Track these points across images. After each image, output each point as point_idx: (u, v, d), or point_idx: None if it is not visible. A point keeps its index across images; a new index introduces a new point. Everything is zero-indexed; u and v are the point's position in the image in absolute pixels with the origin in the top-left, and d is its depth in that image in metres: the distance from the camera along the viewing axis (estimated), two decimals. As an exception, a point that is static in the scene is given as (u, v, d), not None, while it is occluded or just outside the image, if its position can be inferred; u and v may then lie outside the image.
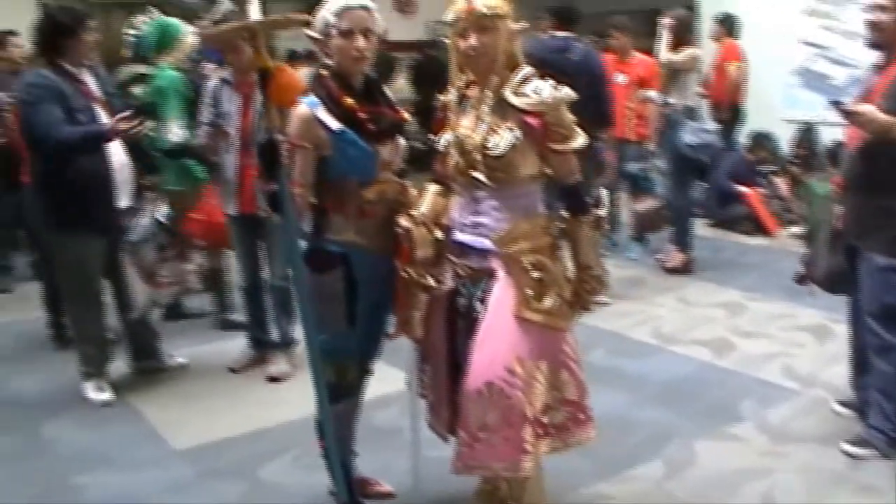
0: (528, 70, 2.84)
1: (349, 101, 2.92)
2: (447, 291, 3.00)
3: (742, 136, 8.65)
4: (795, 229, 7.70)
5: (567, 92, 2.81)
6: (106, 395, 4.56)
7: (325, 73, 2.98)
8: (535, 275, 2.81)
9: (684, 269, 6.56)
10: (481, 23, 2.76)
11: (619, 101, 6.79)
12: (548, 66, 5.27)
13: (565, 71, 5.34)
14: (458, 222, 2.95)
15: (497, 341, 2.78)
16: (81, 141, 4.16)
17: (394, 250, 2.99)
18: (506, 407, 2.75)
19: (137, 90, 6.19)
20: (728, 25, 8.33)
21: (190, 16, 6.58)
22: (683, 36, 6.17)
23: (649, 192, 6.76)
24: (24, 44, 5.99)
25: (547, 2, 5.68)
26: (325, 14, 2.93)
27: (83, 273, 4.47)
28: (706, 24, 9.14)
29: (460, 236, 2.94)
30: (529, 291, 2.81)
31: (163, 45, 5.20)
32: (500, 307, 2.82)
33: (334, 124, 2.91)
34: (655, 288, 6.32)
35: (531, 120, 2.77)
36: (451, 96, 2.94)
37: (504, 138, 2.77)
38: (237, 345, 5.06)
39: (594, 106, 5.61)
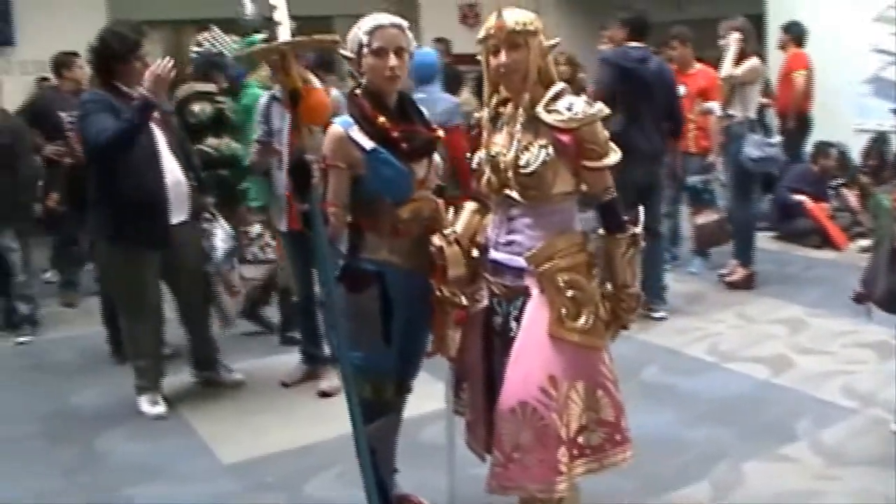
0: (560, 86, 2.82)
1: (382, 119, 2.93)
2: (483, 310, 2.99)
3: (809, 147, 8.43)
4: (865, 243, 7.46)
5: (600, 108, 2.77)
6: (159, 409, 4.65)
7: (358, 92, 3.00)
8: (570, 293, 2.77)
9: (746, 285, 6.42)
10: (512, 39, 2.75)
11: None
12: (630, 76, 5.36)
13: (646, 81, 5.43)
14: (494, 240, 2.93)
15: (531, 360, 2.75)
16: (120, 133, 4.20)
17: (429, 268, 2.98)
18: (540, 427, 2.71)
19: (196, 108, 6.33)
20: (794, 34, 8.16)
21: (250, 33, 6.71)
22: (745, 46, 6.04)
23: (710, 206, 6.62)
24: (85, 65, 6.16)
25: (605, 12, 5.68)
26: (358, 32, 2.95)
27: (135, 287, 4.57)
28: (773, 33, 8.96)
29: (495, 254, 2.92)
30: (564, 310, 2.77)
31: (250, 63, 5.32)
32: (533, 326, 2.79)
33: (368, 143, 2.93)
34: (715, 303, 6.19)
35: (563, 137, 2.74)
36: (484, 113, 2.92)
37: (536, 156, 2.75)
38: (293, 359, 5.11)
39: (669, 116, 5.60)
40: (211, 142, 5.61)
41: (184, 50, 6.99)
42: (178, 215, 4.51)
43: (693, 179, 6.66)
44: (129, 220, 4.36)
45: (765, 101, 7.81)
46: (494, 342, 2.97)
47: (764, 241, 7.72)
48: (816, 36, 8.33)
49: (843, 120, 8.71)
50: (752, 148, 5.97)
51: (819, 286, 6.52)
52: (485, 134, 2.91)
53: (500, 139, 2.88)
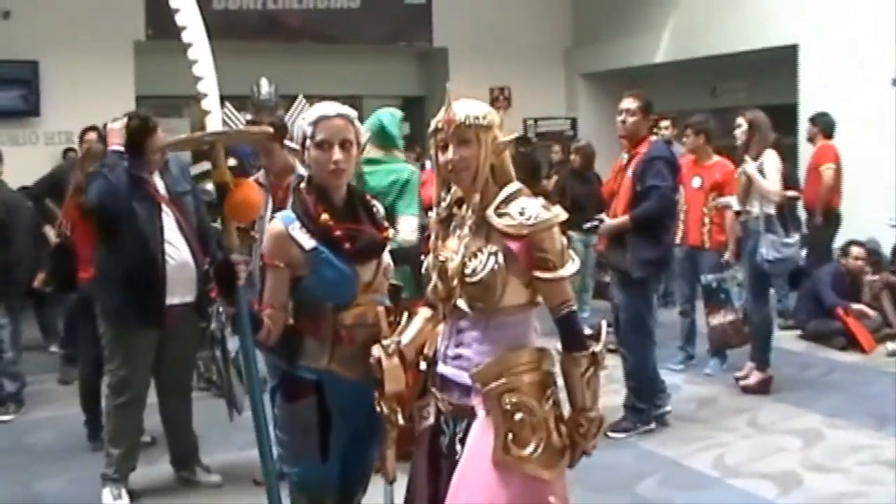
0: (515, 187, 2.57)
1: (325, 217, 2.72)
2: (430, 428, 2.72)
3: (838, 243, 8.07)
4: (893, 346, 7.07)
5: (556, 213, 2.53)
6: (120, 503, 4.41)
7: (302, 186, 2.80)
8: (518, 416, 2.50)
9: (762, 389, 6.05)
10: (461, 134, 2.53)
11: (695, 206, 6.43)
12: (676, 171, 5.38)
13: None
14: (442, 352, 2.68)
15: (472, 491, 2.48)
16: (101, 191, 4.19)
17: (375, 379, 2.73)
18: (483, 566, 2.42)
19: (208, 186, 6.20)
20: (823, 125, 7.90)
21: (263, 111, 6.64)
22: (763, 137, 5.80)
23: (725, 306, 6.29)
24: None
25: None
26: (302, 123, 2.76)
27: (127, 367, 4.43)
28: (805, 123, 8.69)
29: (442, 368, 2.66)
30: (510, 435, 2.49)
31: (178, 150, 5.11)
32: (477, 451, 2.52)
33: (308, 242, 2.71)
34: (727, 409, 5.82)
35: (512, 244, 2.50)
36: (433, 215, 2.69)
37: (484, 263, 2.50)
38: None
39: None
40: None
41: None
42: (179, 296, 4.38)
43: (708, 278, 6.35)
44: (125, 297, 4.30)
45: (792, 193, 7.52)
46: (441, 464, 2.69)
47: (787, 340, 7.39)
48: (846, 126, 8.04)
49: (876, 214, 8.35)
50: (768, 248, 5.68)
51: (840, 393, 6.13)
52: (433, 236, 2.67)
53: (452, 243, 2.64)
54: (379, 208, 2.96)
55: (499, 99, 13.67)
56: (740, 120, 5.91)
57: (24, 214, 6.05)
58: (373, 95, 13.46)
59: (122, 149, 4.22)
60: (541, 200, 2.57)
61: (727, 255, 6.34)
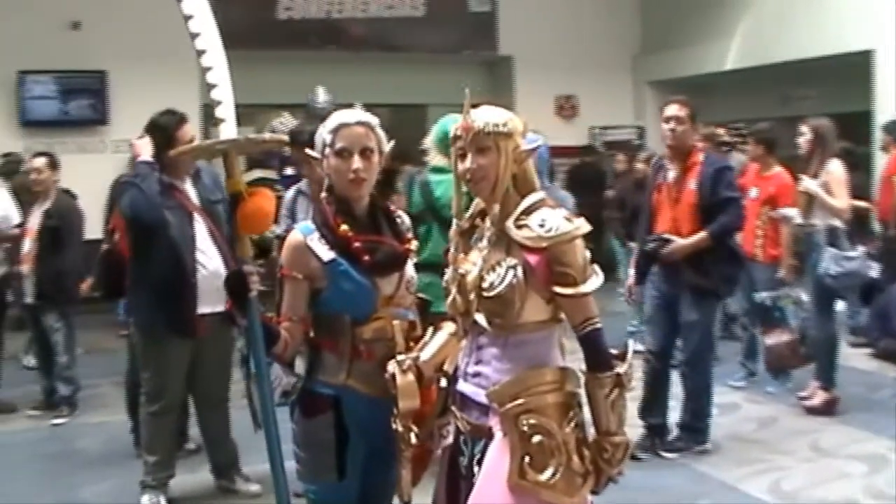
0: (537, 197, 2.45)
1: (344, 228, 2.63)
2: (450, 448, 2.62)
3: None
4: (972, 367, 6.72)
5: (579, 225, 2.39)
6: (157, 510, 4.40)
7: (323, 196, 2.71)
8: (536, 439, 2.37)
9: (826, 410, 5.77)
10: (480, 142, 2.42)
11: (751, 217, 6.21)
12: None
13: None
14: (462, 370, 2.57)
15: (487, 515, 2.36)
16: (133, 201, 4.20)
17: (394, 396, 2.63)
18: None
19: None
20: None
21: (320, 119, 6.61)
22: (827, 147, 5.55)
23: (780, 325, 6.03)
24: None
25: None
26: (322, 131, 2.68)
27: (160, 376, 4.44)
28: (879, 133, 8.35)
29: (462, 386, 2.56)
30: (527, 458, 2.37)
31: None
32: (492, 473, 2.41)
33: (326, 254, 2.63)
34: (787, 431, 5.56)
35: (530, 257, 2.37)
36: (454, 226, 2.58)
37: (502, 277, 2.38)
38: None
39: None
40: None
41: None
42: (211, 306, 4.33)
43: (762, 295, 6.08)
44: (156, 306, 4.31)
45: (863, 204, 7.23)
46: (461, 485, 2.58)
47: (857, 358, 7.09)
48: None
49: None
50: (830, 263, 5.42)
51: (912, 416, 5.82)
52: (452, 248, 2.56)
53: (474, 255, 2.53)
54: (404, 220, 2.86)
55: (564, 107, 13.51)
56: (804, 128, 5.67)
57: (77, 221, 6.12)
58: (438, 104, 13.40)
59: (151, 160, 4.21)
60: (563, 212, 2.44)
61: (783, 272, 6.07)
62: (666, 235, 4.97)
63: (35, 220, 5.94)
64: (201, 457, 4.95)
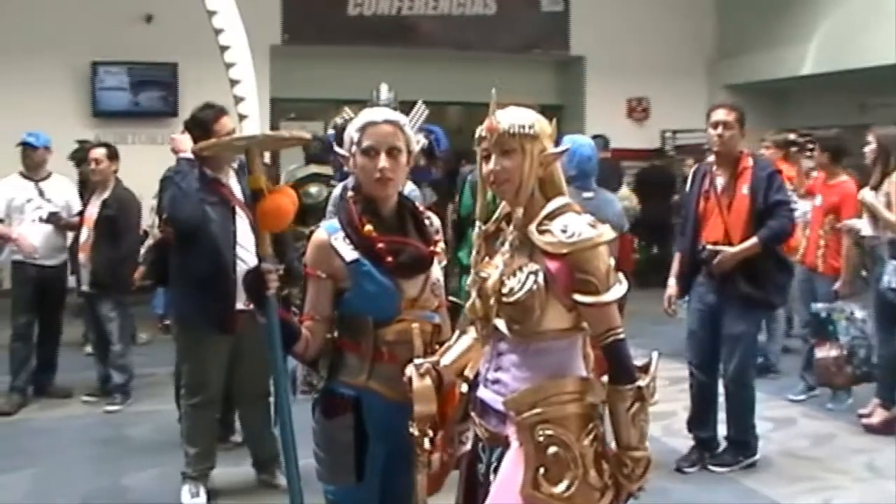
0: (561, 202, 2.38)
1: (368, 228, 2.60)
2: (468, 454, 2.57)
3: None
4: None
5: (601, 231, 2.32)
6: (198, 501, 4.45)
7: (350, 195, 2.69)
8: (552, 450, 2.31)
9: (886, 429, 5.55)
10: (504, 143, 2.37)
11: (814, 226, 6.02)
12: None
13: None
14: (483, 375, 2.52)
15: (499, 527, 2.30)
16: (173, 199, 4.24)
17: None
18: None
19: (313, 189, 6.23)
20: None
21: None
22: (890, 158, 5.34)
23: (831, 339, 5.80)
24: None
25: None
26: (350, 129, 2.65)
27: (196, 369, 4.48)
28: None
29: (482, 392, 2.51)
30: (542, 469, 2.31)
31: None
32: (506, 483, 2.35)
33: (350, 254, 2.60)
34: (844, 449, 5.37)
35: (551, 263, 2.31)
36: (478, 229, 2.53)
37: (522, 282, 2.32)
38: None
39: None
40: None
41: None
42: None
43: (818, 306, 5.88)
44: (195, 301, 4.34)
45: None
46: (478, 493, 2.53)
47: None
48: None
49: None
50: (892, 276, 5.21)
51: (979, 440, 5.56)
52: (474, 252, 2.51)
53: (498, 259, 2.47)
54: (434, 221, 2.82)
55: (636, 110, 13.32)
56: (870, 137, 5.47)
57: (135, 212, 6.21)
58: (508, 104, 13.33)
59: (191, 156, 4.22)
60: (588, 218, 2.37)
61: (838, 285, 5.85)
62: (718, 246, 4.76)
63: (93, 210, 6.04)
64: (246, 450, 4.97)
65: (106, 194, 6.07)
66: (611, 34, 12.55)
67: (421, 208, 2.82)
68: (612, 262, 2.37)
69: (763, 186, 4.71)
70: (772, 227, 4.69)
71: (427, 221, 2.78)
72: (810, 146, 6.71)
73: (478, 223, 2.52)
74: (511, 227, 2.43)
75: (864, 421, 5.68)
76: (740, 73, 12.53)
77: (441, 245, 2.75)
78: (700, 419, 5.01)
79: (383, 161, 2.58)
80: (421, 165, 5.94)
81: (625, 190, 10.53)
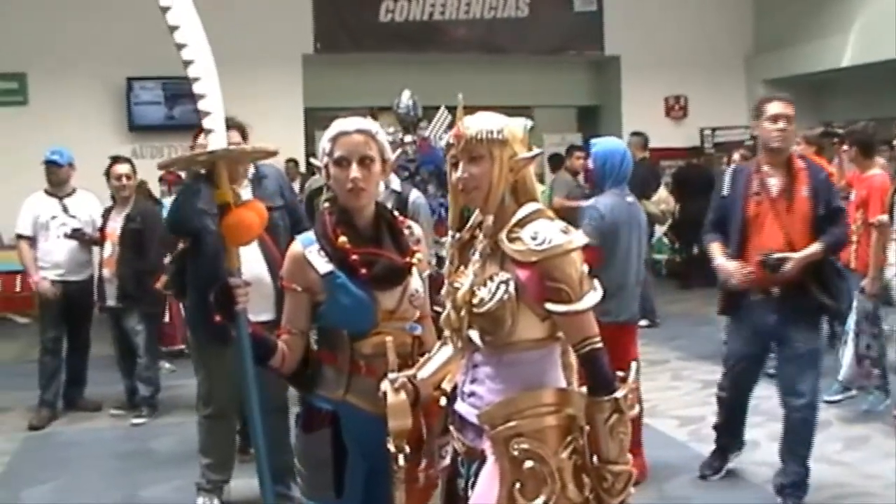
0: (532, 207, 2.31)
1: (343, 240, 2.56)
2: (448, 469, 2.51)
3: None
4: None
5: (572, 238, 2.24)
6: (211, 513, 4.44)
7: (325, 206, 2.65)
8: (528, 464, 2.24)
9: (923, 431, 5.37)
10: (472, 150, 2.30)
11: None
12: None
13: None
14: (460, 388, 2.46)
15: (474, 543, 2.24)
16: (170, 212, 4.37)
17: (393, 414, 2.54)
18: None
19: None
20: None
21: (407, 125, 6.60)
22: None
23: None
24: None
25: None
26: (323, 139, 2.61)
27: (207, 380, 4.52)
28: None
29: (459, 405, 2.45)
30: (518, 485, 2.24)
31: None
32: (482, 500, 2.29)
33: (324, 266, 2.56)
34: (876, 453, 5.19)
35: (520, 272, 2.24)
36: (450, 238, 2.47)
37: (493, 292, 2.26)
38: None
39: None
40: None
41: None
42: (254, 314, 4.27)
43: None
44: (199, 311, 4.28)
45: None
46: (458, 508, 2.47)
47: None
48: None
49: None
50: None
51: None
52: (448, 262, 2.45)
53: (474, 268, 2.41)
54: (414, 231, 2.76)
55: (674, 108, 13.16)
56: (896, 129, 5.31)
57: (159, 225, 6.24)
58: (543, 105, 13.28)
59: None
60: (560, 224, 2.29)
61: (865, 282, 5.64)
62: (785, 254, 4.27)
63: (115, 225, 6.09)
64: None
65: (128, 208, 6.12)
66: (645, 32, 12.42)
67: (401, 219, 2.77)
68: (586, 268, 2.29)
69: (824, 190, 4.34)
70: (835, 234, 4.33)
71: (406, 231, 2.72)
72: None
73: (450, 232, 2.46)
74: (482, 236, 2.37)
75: (898, 423, 5.50)
76: (779, 68, 12.31)
77: (420, 255, 2.68)
78: (727, 428, 4.83)
79: (355, 171, 2.54)
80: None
81: (662, 192, 10.35)
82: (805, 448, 4.45)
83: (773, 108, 4.32)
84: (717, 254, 4.49)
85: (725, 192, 4.52)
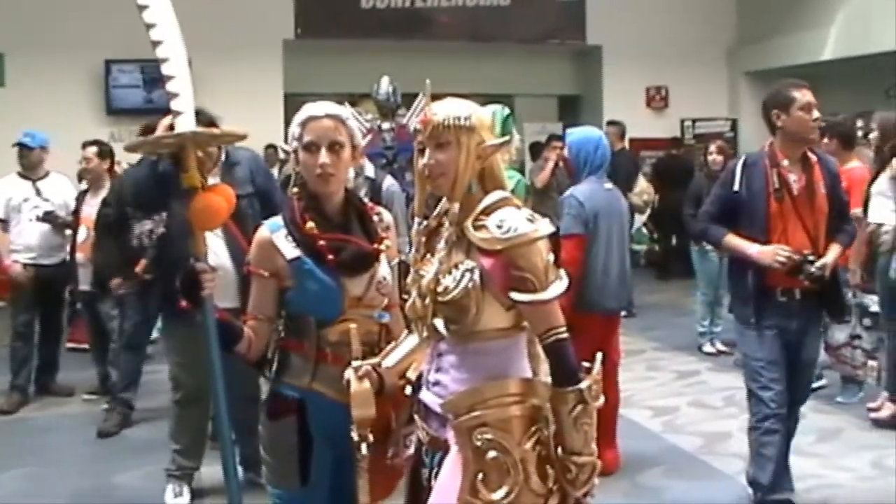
0: (499, 195, 2.28)
1: (310, 225, 2.53)
2: (413, 459, 2.49)
3: None
4: None
5: (538, 226, 2.22)
6: (181, 501, 4.43)
7: (294, 191, 2.61)
8: (491, 455, 2.22)
9: (895, 423, 5.40)
10: (439, 136, 2.27)
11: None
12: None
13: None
14: (425, 377, 2.44)
15: (437, 533, 2.22)
16: None
17: (357, 402, 2.51)
18: None
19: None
20: None
21: (385, 112, 6.56)
22: (882, 145, 5.17)
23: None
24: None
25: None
26: (293, 124, 2.58)
27: (177, 366, 4.50)
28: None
29: (424, 394, 2.42)
30: (480, 475, 2.22)
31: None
32: (444, 491, 2.27)
33: (291, 252, 2.53)
34: (851, 444, 5.22)
35: (485, 260, 2.22)
36: (415, 226, 2.45)
37: (458, 280, 2.24)
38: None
39: None
40: None
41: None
42: (219, 302, 4.26)
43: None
44: (161, 298, 4.37)
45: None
46: (422, 498, 2.44)
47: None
48: None
49: None
50: (898, 264, 5.03)
51: None
52: (413, 249, 2.43)
53: (438, 256, 2.39)
54: (384, 218, 2.73)
55: (655, 99, 13.16)
56: (873, 123, 5.30)
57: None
58: (525, 94, 13.25)
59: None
60: (526, 212, 2.27)
61: (848, 276, 5.65)
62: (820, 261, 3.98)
63: (90, 209, 6.01)
64: (236, 449, 4.94)
65: (103, 193, 6.05)
66: (628, 23, 12.40)
67: (371, 205, 2.75)
68: (552, 257, 2.27)
69: (836, 184, 4.15)
70: (849, 233, 4.19)
71: (376, 218, 2.70)
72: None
73: (416, 219, 2.44)
74: (448, 223, 2.35)
75: (872, 416, 5.53)
76: (762, 60, 12.32)
77: (388, 242, 2.66)
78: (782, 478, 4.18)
79: (324, 156, 2.51)
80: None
81: (643, 182, 10.36)
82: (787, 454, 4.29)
83: (807, 96, 3.94)
84: (747, 244, 4.01)
85: (737, 187, 4.07)
